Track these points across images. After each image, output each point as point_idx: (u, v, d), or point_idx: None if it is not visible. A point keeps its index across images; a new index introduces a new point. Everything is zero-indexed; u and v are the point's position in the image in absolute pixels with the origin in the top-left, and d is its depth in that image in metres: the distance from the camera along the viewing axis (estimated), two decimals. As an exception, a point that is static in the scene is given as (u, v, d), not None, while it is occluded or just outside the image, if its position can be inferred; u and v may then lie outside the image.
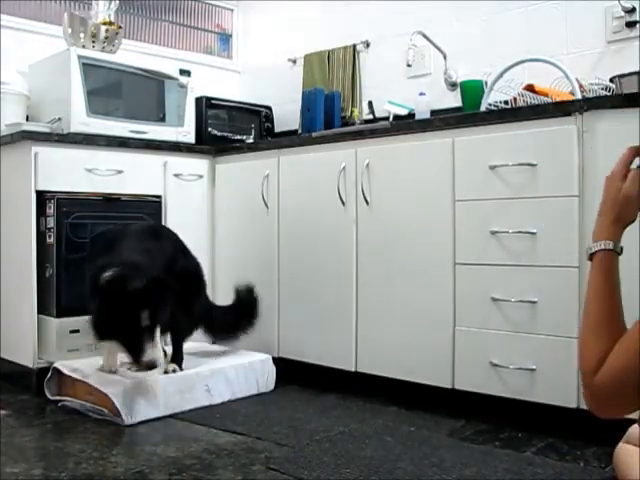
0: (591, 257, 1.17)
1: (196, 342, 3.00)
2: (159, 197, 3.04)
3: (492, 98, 2.71)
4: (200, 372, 2.51)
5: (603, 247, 1.15)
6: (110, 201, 2.85)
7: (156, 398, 2.33)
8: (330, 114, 3.49)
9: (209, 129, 3.56)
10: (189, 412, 2.38)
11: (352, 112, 3.52)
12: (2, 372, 2.83)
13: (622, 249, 1.16)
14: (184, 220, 3.09)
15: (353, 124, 3.45)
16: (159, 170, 3.06)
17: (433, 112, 3.12)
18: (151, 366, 2.13)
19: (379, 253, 2.56)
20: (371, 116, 3.47)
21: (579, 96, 2.41)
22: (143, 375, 2.31)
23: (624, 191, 1.16)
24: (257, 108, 3.79)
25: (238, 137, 3.65)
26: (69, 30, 3.08)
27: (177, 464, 1.90)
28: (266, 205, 2.98)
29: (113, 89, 3.11)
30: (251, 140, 3.66)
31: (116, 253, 2.30)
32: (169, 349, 2.57)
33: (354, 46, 3.59)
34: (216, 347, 2.91)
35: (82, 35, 3.09)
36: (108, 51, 3.16)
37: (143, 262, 2.25)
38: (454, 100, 3.13)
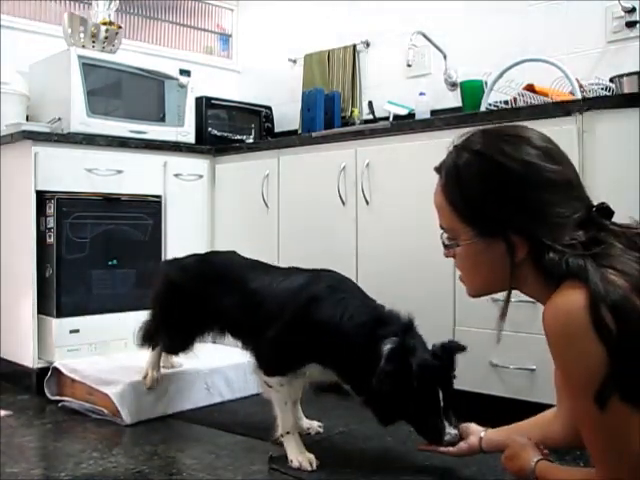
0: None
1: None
2: (159, 197, 3.04)
3: (492, 98, 2.71)
4: (200, 371, 2.51)
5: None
6: (110, 201, 2.85)
7: (156, 398, 2.33)
8: (330, 114, 3.49)
9: (209, 129, 3.56)
10: (189, 412, 2.38)
11: (352, 112, 3.52)
12: (2, 372, 2.83)
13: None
14: (184, 220, 3.10)
15: (353, 124, 3.45)
16: (159, 170, 3.06)
17: (433, 112, 3.12)
18: (453, 443, 1.74)
19: (379, 253, 2.56)
20: (371, 116, 3.47)
21: (579, 96, 2.40)
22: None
23: None
24: (257, 108, 3.79)
25: (238, 137, 3.64)
26: (69, 30, 3.08)
27: (177, 464, 1.90)
28: (266, 205, 2.97)
29: (113, 89, 3.11)
30: (251, 140, 3.66)
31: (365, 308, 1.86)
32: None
33: (354, 46, 3.59)
34: (214, 346, 2.90)
35: (82, 35, 3.09)
36: (108, 51, 3.16)
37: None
38: (454, 100, 3.12)
